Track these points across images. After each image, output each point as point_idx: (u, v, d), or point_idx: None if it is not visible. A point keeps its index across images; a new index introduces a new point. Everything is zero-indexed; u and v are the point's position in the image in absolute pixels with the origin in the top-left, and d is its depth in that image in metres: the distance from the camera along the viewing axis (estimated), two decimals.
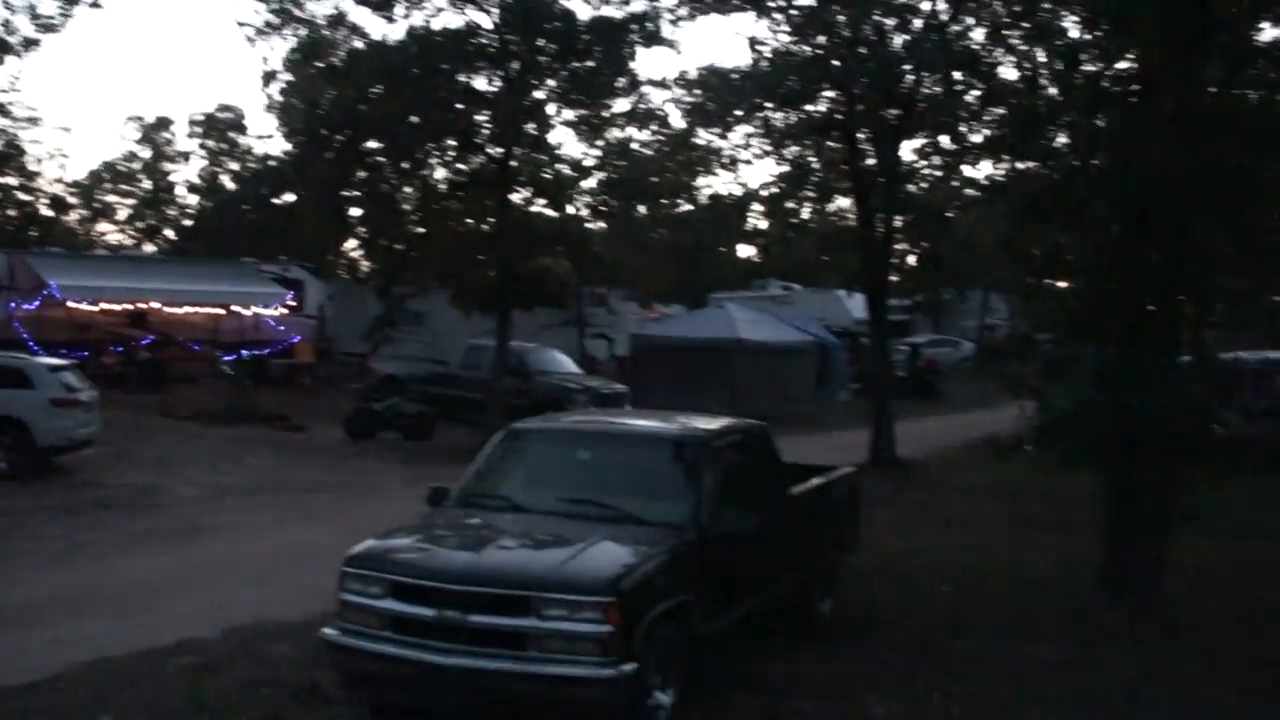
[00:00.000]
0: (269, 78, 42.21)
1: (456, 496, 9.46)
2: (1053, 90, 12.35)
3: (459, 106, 23.44)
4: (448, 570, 7.93)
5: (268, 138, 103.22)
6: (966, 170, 23.83)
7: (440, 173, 25.68)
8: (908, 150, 23.14)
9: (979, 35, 17.48)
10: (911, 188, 24.22)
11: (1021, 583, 13.49)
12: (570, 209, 30.39)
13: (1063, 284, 13.15)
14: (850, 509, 12.12)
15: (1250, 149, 10.87)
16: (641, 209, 47.81)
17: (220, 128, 56.77)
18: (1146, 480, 11.59)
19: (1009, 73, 12.75)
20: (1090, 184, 11.08)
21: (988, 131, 15.09)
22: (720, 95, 22.37)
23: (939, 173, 23.95)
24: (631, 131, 36.90)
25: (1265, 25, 11.38)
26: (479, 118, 23.89)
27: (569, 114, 24.92)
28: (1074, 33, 12.03)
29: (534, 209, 25.94)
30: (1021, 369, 12.37)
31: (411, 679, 7.80)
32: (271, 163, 43.63)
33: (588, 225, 36.21)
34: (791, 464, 11.38)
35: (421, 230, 25.95)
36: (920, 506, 18.67)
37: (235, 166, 53.61)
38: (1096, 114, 11.23)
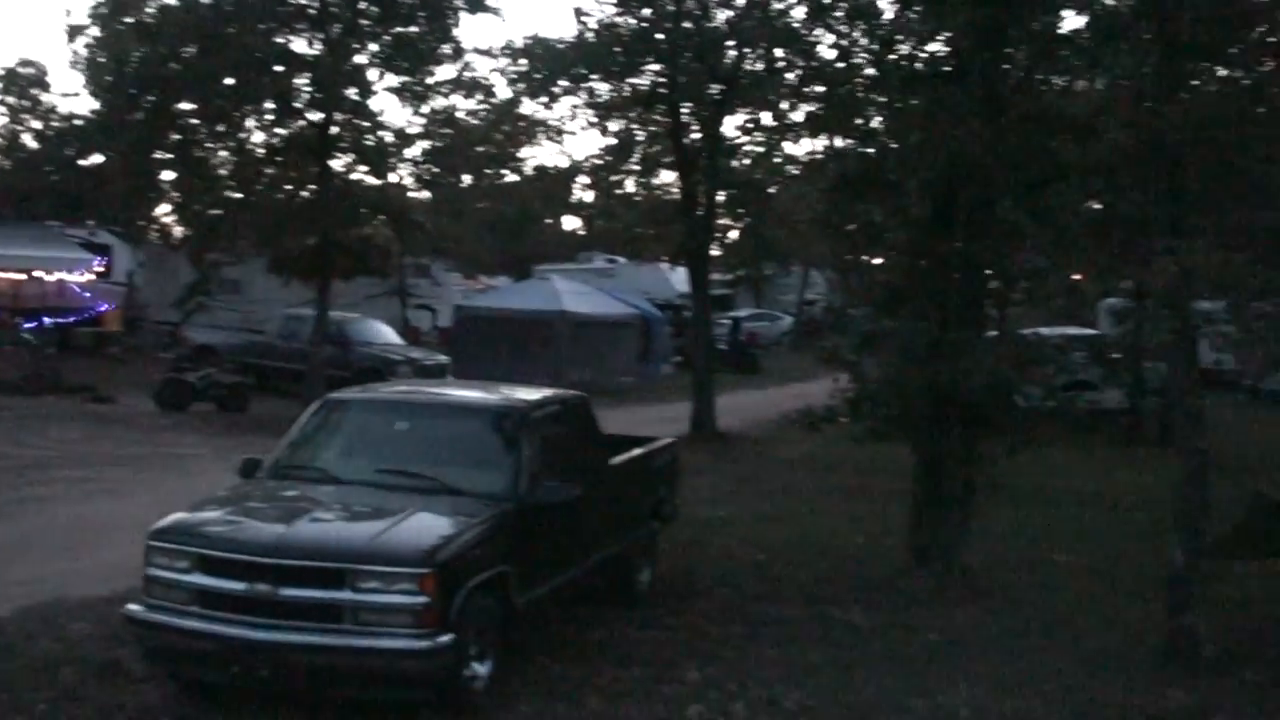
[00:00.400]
0: (74, 32, 40.34)
1: (270, 468, 9.26)
2: (870, 70, 12.62)
3: (276, 69, 22.79)
4: (258, 543, 7.76)
5: (73, 96, 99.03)
6: (788, 147, 24.26)
7: (257, 136, 25.00)
8: (731, 126, 23.44)
9: (800, 13, 17.79)
10: (735, 163, 24.54)
11: (835, 551, 13.86)
12: (393, 177, 29.97)
13: (877, 260, 13.50)
14: (670, 480, 12.26)
15: (1051, 133, 11.33)
16: (467, 179, 47.50)
17: (22, 84, 54.03)
18: (953, 450, 12.02)
19: (828, 52, 12.99)
20: (902, 163, 11.40)
21: (808, 109, 15.36)
22: (545, 66, 22.25)
23: (761, 149, 24.30)
24: (457, 100, 36.46)
25: (1067, 14, 11.82)
26: (298, 81, 23.27)
27: (392, 80, 24.49)
28: (890, 14, 12.31)
29: (355, 176, 25.44)
30: (837, 343, 12.67)
31: (220, 654, 7.62)
32: (77, 122, 41.71)
33: (411, 194, 35.75)
34: (611, 435, 11.45)
35: (237, 195, 25.21)
36: (739, 478, 19.00)
37: (38, 125, 51.12)
38: (909, 95, 11.53)
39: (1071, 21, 11.87)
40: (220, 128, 24.31)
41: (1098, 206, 12.71)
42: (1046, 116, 11.31)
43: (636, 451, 11.52)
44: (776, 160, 25.50)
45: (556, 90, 22.65)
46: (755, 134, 23.09)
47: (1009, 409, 12.17)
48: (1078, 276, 13.94)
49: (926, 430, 12.06)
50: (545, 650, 9.26)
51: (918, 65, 12.05)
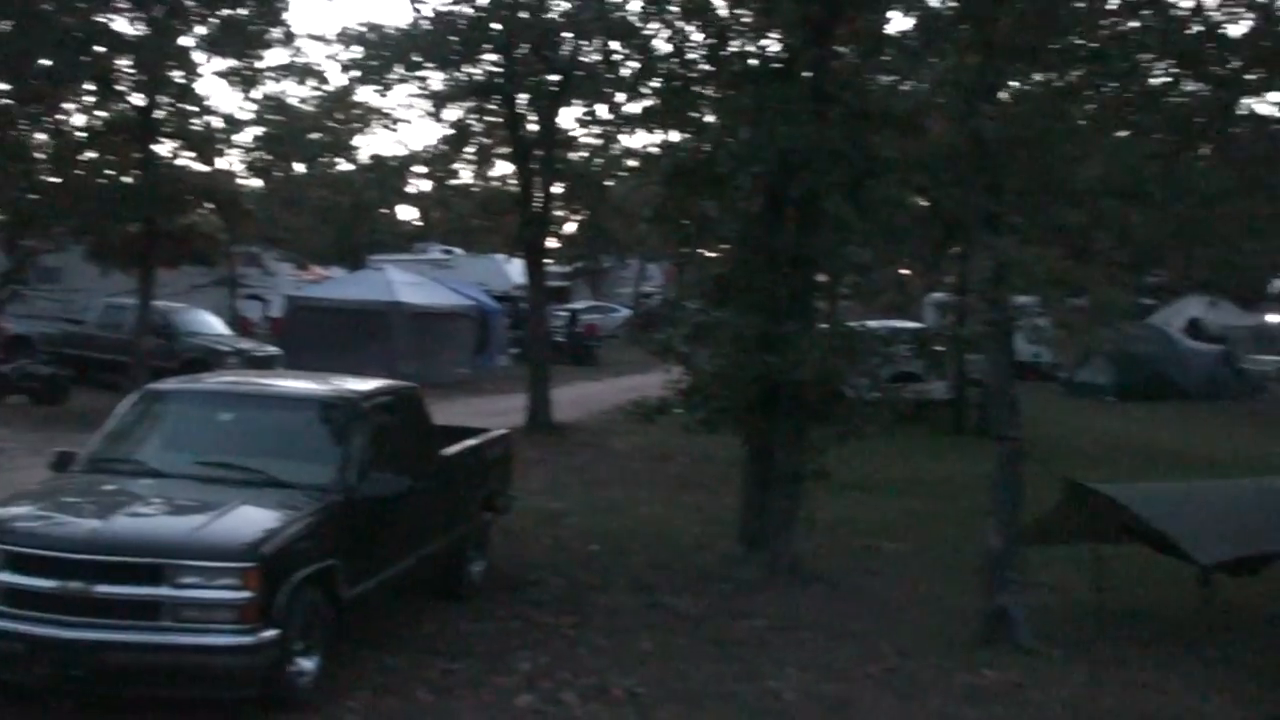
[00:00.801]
0: None
1: (84, 461, 8.93)
2: (704, 66, 12.76)
3: (97, 49, 21.93)
4: (71, 539, 7.48)
5: None
6: (624, 140, 24.36)
7: (77, 119, 24.05)
8: (568, 118, 23.45)
9: (636, 7, 17.86)
10: (571, 155, 24.54)
11: (668, 540, 14.00)
12: (222, 163, 29.17)
13: (710, 253, 13.67)
14: (503, 471, 12.22)
15: (877, 129, 11.62)
16: (299, 167, 46.52)
17: None
18: (782, 440, 12.25)
19: (663, 46, 13.10)
20: (733, 157, 11.55)
21: (645, 103, 15.43)
22: (379, 53, 21.90)
23: (598, 141, 24.36)
24: (288, 86, 35.69)
25: (894, 15, 12.13)
26: (120, 62, 22.44)
27: (220, 64, 23.83)
28: (723, 10, 12.46)
29: (181, 162, 24.67)
30: (670, 335, 12.79)
31: (31, 655, 7.31)
32: None
33: (241, 181, 34.84)
34: (444, 426, 11.36)
35: (56, 180, 24.19)
36: (574, 469, 19.03)
37: None
38: (740, 90, 11.70)
39: (899, 22, 12.20)
40: (36, 109, 23.29)
41: (923, 203, 13.09)
42: (872, 113, 11.60)
43: (469, 443, 11.44)
44: (613, 153, 25.59)
45: (391, 79, 22.33)
46: (592, 127, 23.12)
47: (837, 399, 12.45)
48: (905, 271, 14.34)
49: (756, 420, 12.27)
50: (376, 644, 9.14)
51: (750, 61, 12.24)
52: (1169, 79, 11.26)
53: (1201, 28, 10.51)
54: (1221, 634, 10.77)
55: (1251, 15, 10.93)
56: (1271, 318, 37.48)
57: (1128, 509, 10.47)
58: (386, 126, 48.16)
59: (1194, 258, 19.71)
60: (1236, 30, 11.05)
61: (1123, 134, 12.01)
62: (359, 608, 8.60)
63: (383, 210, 56.69)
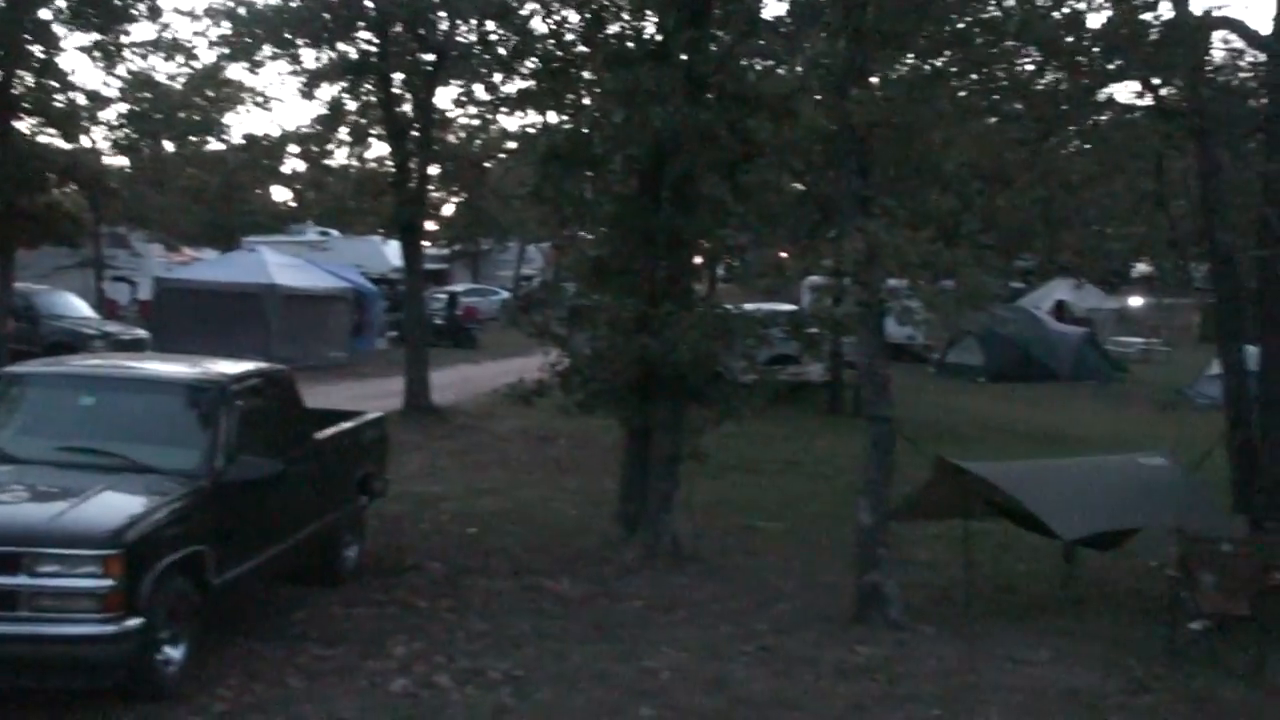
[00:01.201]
0: None
1: None
2: (581, 47, 12.72)
3: None
4: None
5: None
6: (503, 121, 24.16)
7: None
8: (444, 98, 23.17)
9: None
10: (448, 136, 24.28)
11: (547, 523, 13.99)
12: (86, 141, 28.25)
13: (587, 235, 13.64)
14: (378, 454, 12.06)
15: (750, 113, 11.70)
16: (168, 145, 45.28)
17: None
18: (660, 421, 12.31)
19: (541, 26, 13.02)
20: (609, 139, 11.54)
21: (522, 84, 15.31)
22: (250, 29, 21.36)
23: (475, 122, 24.13)
24: (156, 62, 34.65)
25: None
26: None
27: (82, 38, 23.03)
28: None
29: (43, 139, 23.83)
30: (547, 316, 12.75)
31: None
32: None
33: (106, 160, 33.79)
34: (317, 409, 11.17)
35: None
36: (453, 452, 18.88)
37: None
38: (616, 72, 11.69)
39: (773, 7, 12.30)
40: None
41: (797, 186, 13.24)
42: (747, 97, 11.68)
43: (343, 426, 11.27)
44: (491, 134, 25.37)
45: (262, 56, 21.81)
46: (469, 107, 22.88)
47: (713, 381, 12.54)
48: (782, 254, 14.48)
49: (634, 402, 12.30)
50: (246, 631, 8.97)
51: (626, 44, 12.23)
52: (1033, 66, 11.52)
53: (1061, 15, 10.77)
54: (1086, 606, 11.14)
55: (1109, 6, 11.24)
56: (1134, 301, 38.75)
57: (995, 486, 10.75)
58: (259, 105, 47.11)
59: (1060, 241, 20.25)
60: (1096, 20, 11.35)
61: (989, 120, 12.28)
62: (229, 594, 8.42)
63: (256, 191, 55.54)
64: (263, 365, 10.49)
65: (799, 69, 12.05)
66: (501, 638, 9.36)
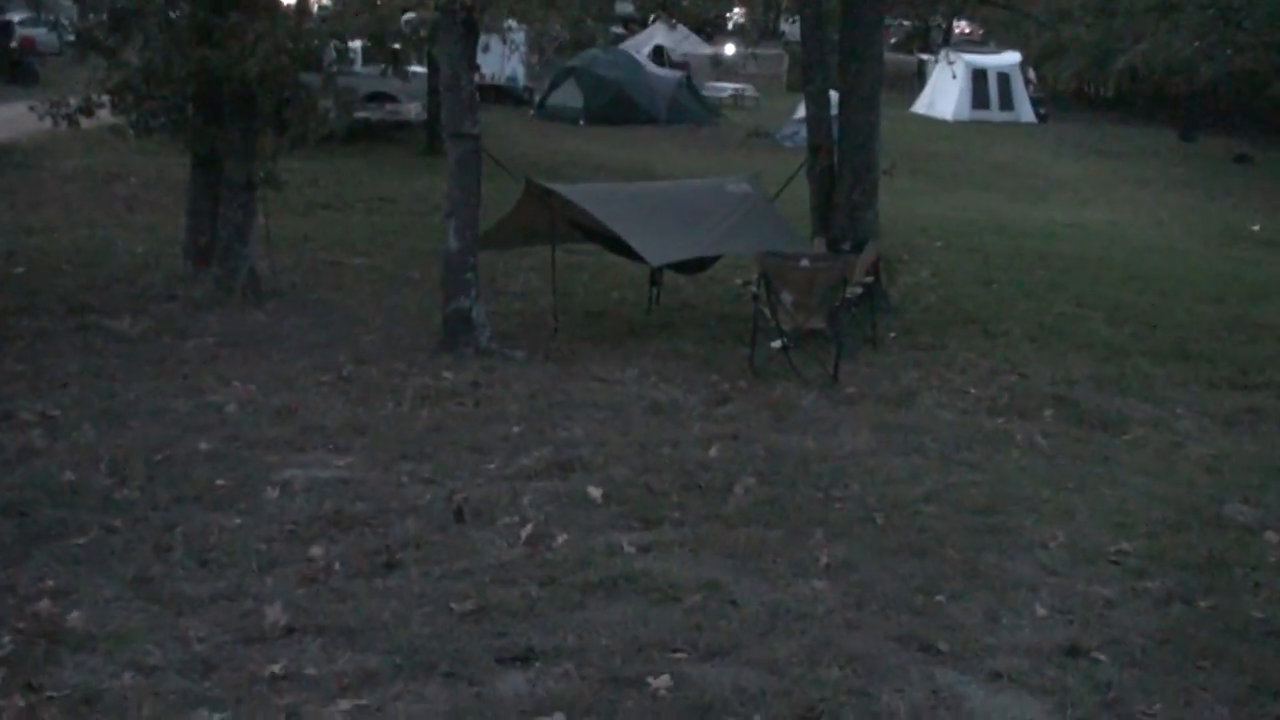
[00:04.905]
0: None
1: None
2: None
3: None
4: None
5: None
6: None
7: None
8: None
9: None
10: None
11: (109, 262, 12.74)
12: None
13: None
14: None
15: None
16: None
17: None
18: (231, 145, 11.22)
19: None
20: None
21: None
22: None
23: None
24: None
25: None
26: None
27: None
28: None
29: None
30: (87, 25, 11.17)
31: None
32: None
33: None
34: None
35: None
36: (2, 191, 16.89)
37: None
38: None
39: None
40: None
41: None
42: None
43: None
44: None
45: None
46: None
47: (288, 103, 11.51)
48: None
49: (198, 124, 11.12)
50: None
51: None
52: None
53: None
54: (674, 330, 11.22)
55: None
56: (728, 48, 39.36)
57: (582, 208, 10.47)
58: None
59: None
60: None
61: None
62: None
63: None
64: None
65: None
66: (41, 379, 8.37)
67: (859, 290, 10.26)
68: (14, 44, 34.53)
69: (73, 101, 10.98)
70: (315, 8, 11.72)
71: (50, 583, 5.09)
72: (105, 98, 11.19)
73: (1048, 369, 10.31)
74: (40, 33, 38.85)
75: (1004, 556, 6.01)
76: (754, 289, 9.94)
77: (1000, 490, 7.02)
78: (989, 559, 5.95)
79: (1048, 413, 8.93)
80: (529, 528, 5.95)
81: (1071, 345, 11.29)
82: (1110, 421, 8.87)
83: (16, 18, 39.12)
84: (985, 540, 6.19)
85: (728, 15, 45.82)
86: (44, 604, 4.82)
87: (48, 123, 11.44)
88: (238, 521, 5.93)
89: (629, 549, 5.77)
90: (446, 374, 9.16)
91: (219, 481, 6.47)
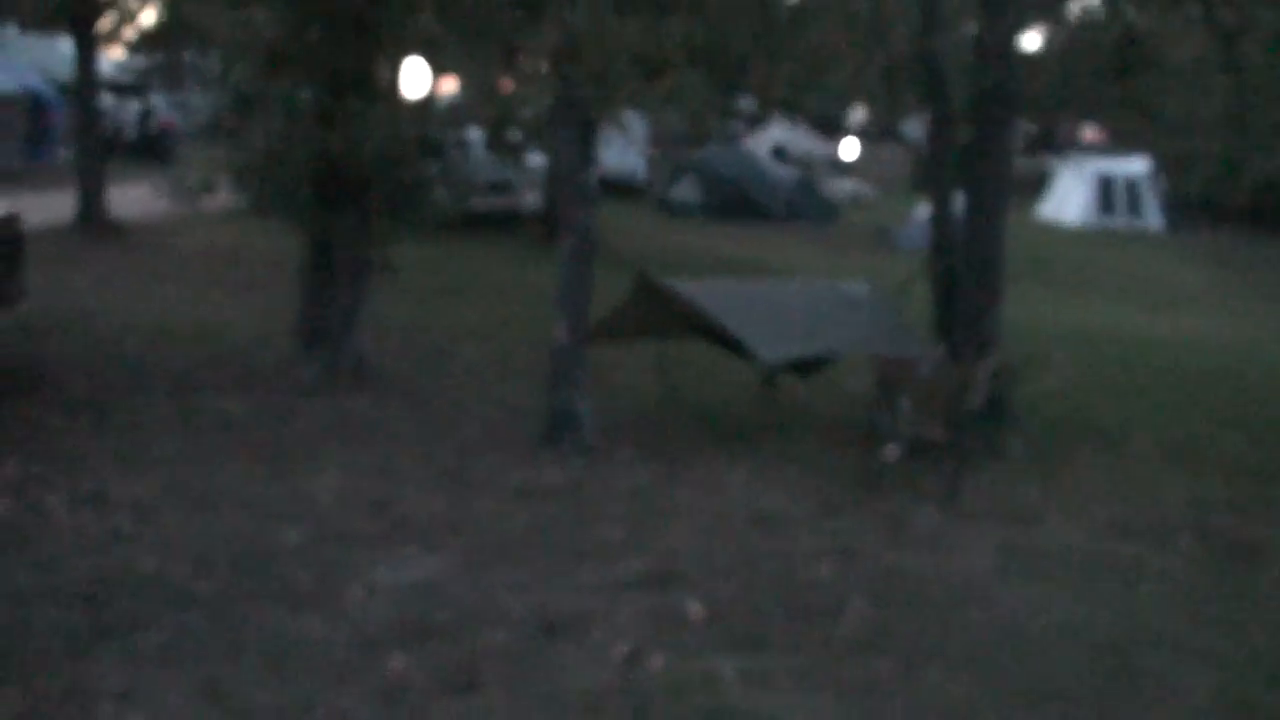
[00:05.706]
0: None
1: None
2: None
3: None
4: None
5: None
6: None
7: None
8: None
9: None
10: None
11: (223, 342, 12.77)
12: None
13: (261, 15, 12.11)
14: (11, 257, 10.51)
15: None
16: None
17: None
18: (344, 228, 11.18)
19: None
20: None
21: None
22: None
23: None
24: None
25: None
26: None
27: None
28: None
29: None
30: (217, 107, 11.28)
31: None
32: None
33: None
34: None
35: None
36: (127, 268, 17.18)
37: None
38: None
39: None
40: None
41: None
42: None
43: None
44: None
45: None
46: None
47: (405, 187, 11.46)
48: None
49: (315, 205, 11.10)
50: None
51: None
52: None
53: None
54: (785, 433, 10.81)
55: None
56: (848, 146, 39.30)
57: (694, 304, 10.17)
58: None
59: (776, 75, 19.85)
60: None
61: None
62: None
63: None
64: None
65: None
66: (141, 458, 8.25)
67: (981, 399, 9.77)
68: (155, 125, 35.70)
69: (192, 180, 11.03)
70: (437, 97, 11.70)
71: (114, 681, 4.84)
72: (226, 178, 11.25)
73: (1182, 490, 9.68)
74: (180, 116, 40.22)
75: (1142, 708, 5.46)
76: (871, 394, 9.52)
77: (1134, 625, 6.46)
78: (1125, 710, 5.40)
79: (1184, 539, 8.33)
80: (623, 647, 5.56)
81: (1207, 465, 10.63)
82: (1253, 551, 8.23)
83: (160, 100, 40.59)
84: (1119, 686, 5.64)
85: (848, 113, 45.81)
86: (105, 706, 4.57)
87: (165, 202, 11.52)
88: (318, 623, 5.65)
89: (729, 676, 5.35)
90: (548, 471, 8.87)
91: (302, 577, 6.21)
